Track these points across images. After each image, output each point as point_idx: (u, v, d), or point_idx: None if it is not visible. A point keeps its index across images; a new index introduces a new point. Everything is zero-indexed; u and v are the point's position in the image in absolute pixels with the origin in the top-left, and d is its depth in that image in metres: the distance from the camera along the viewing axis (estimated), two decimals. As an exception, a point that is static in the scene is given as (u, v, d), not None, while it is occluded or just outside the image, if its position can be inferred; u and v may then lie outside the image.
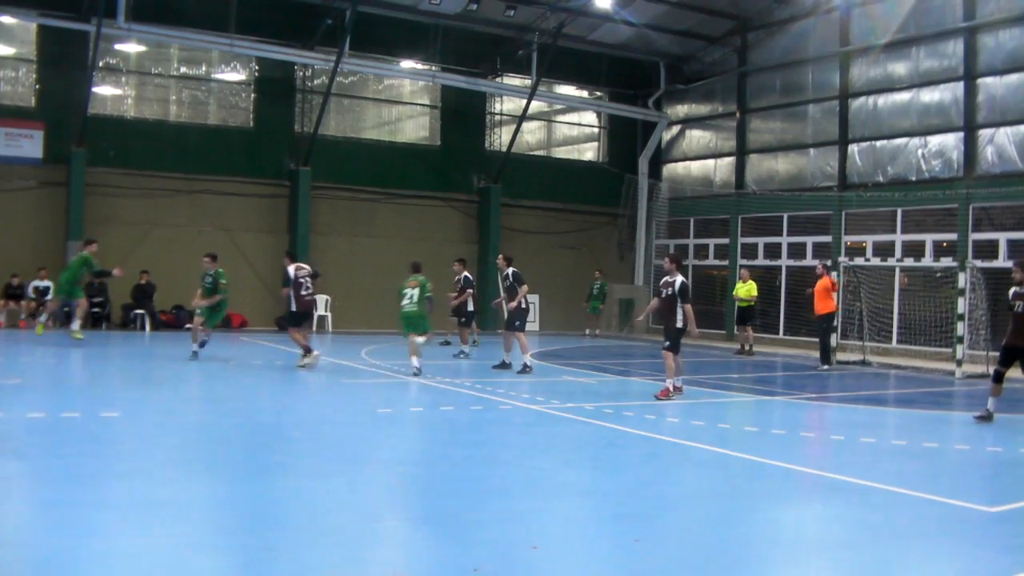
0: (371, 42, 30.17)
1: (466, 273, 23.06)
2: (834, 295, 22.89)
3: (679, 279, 15.79)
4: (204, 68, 30.28)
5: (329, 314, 29.90)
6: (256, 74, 30.24)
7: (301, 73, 30.72)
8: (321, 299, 29.70)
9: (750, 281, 27.13)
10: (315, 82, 30.77)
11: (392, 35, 30.82)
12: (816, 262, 25.33)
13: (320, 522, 7.54)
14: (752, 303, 27.09)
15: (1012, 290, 14.27)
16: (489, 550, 6.90)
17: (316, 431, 12.11)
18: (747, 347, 26.48)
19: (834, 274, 23.44)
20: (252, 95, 30.39)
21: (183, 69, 30.05)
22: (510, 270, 19.85)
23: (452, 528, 7.54)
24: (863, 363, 23.95)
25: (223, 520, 7.64)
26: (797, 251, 30.22)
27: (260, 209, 29.99)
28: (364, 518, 7.82)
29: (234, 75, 30.56)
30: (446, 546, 7.06)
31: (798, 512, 8.64)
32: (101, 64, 27.63)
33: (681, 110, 35.78)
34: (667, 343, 15.66)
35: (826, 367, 22.54)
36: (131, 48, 28.66)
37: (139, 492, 8.19)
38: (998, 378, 14.11)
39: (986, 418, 13.89)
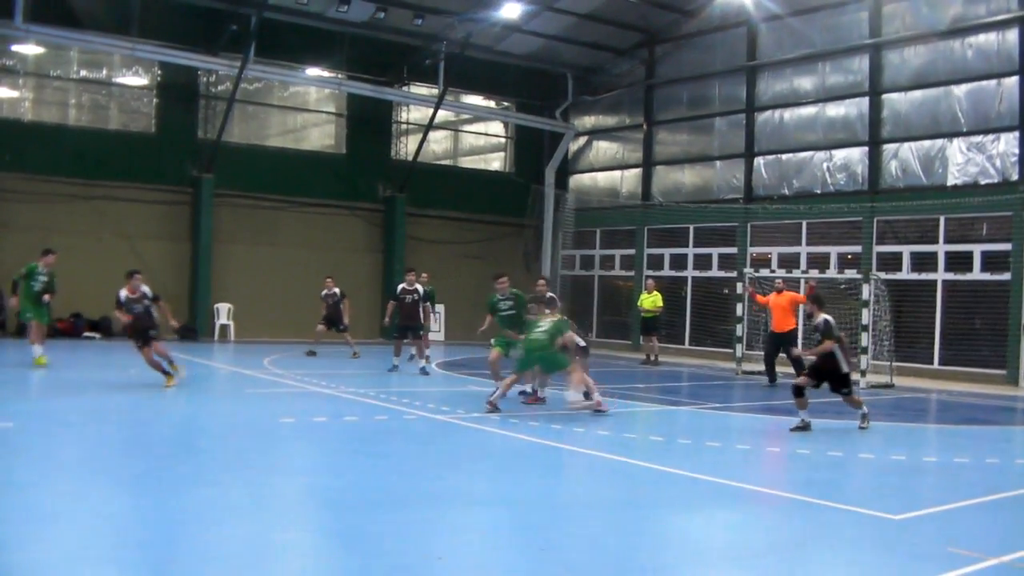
0: (277, 49, 29.69)
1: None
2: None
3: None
4: (105, 72, 29.52)
5: (231, 323, 29.39)
6: (159, 79, 29.54)
7: (205, 79, 30.17)
8: (224, 307, 29.26)
9: (655, 292, 27.34)
10: (219, 88, 30.28)
11: (298, 42, 30.38)
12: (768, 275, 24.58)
13: (220, 535, 7.35)
14: (657, 314, 27.30)
15: (816, 322, 14.20)
16: (393, 561, 6.77)
17: (219, 441, 11.84)
18: (653, 357, 26.67)
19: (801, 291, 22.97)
20: (154, 100, 29.71)
21: (83, 72, 29.26)
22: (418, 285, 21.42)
23: (355, 540, 7.40)
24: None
25: (121, 533, 7.40)
26: (703, 263, 30.52)
27: (162, 216, 29.32)
28: (266, 530, 7.62)
29: (136, 79, 29.81)
30: (349, 558, 6.93)
31: (704, 521, 8.62)
32: (-4, 65, 26.86)
33: (588, 121, 35.97)
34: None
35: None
36: (29, 50, 27.80)
37: (35, 504, 7.93)
38: (799, 392, 13.89)
39: (803, 428, 13.80)
